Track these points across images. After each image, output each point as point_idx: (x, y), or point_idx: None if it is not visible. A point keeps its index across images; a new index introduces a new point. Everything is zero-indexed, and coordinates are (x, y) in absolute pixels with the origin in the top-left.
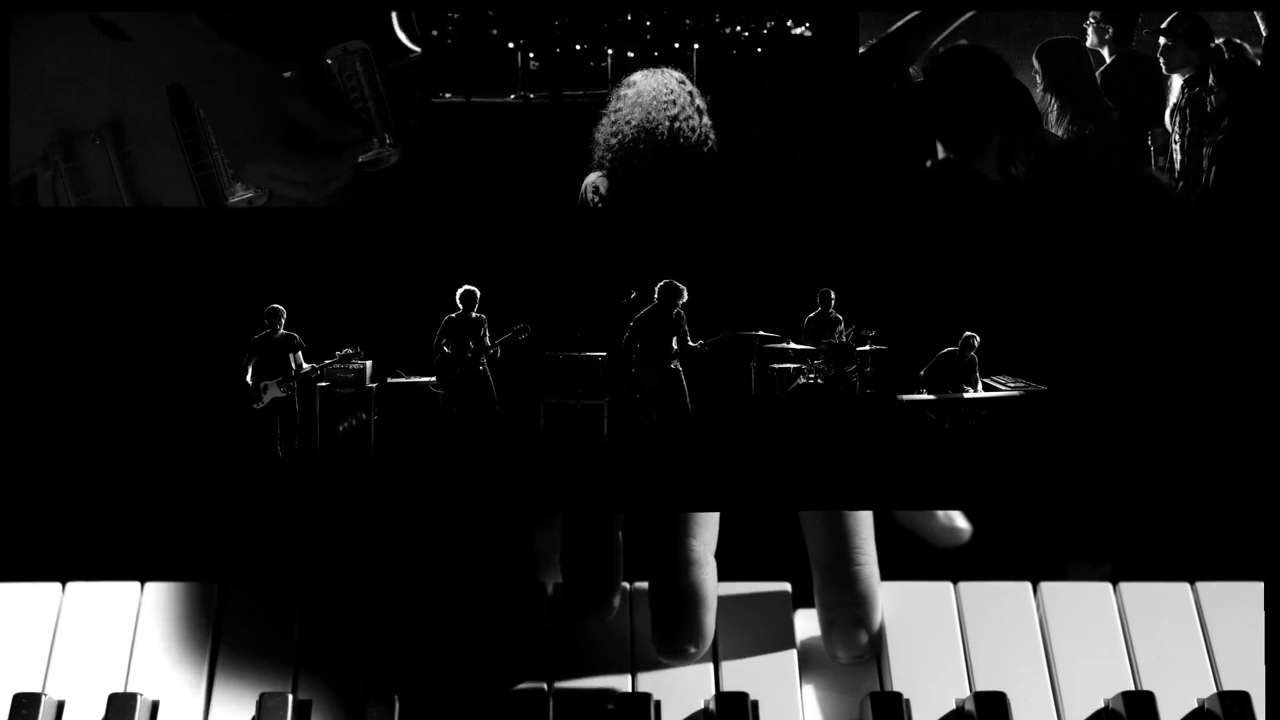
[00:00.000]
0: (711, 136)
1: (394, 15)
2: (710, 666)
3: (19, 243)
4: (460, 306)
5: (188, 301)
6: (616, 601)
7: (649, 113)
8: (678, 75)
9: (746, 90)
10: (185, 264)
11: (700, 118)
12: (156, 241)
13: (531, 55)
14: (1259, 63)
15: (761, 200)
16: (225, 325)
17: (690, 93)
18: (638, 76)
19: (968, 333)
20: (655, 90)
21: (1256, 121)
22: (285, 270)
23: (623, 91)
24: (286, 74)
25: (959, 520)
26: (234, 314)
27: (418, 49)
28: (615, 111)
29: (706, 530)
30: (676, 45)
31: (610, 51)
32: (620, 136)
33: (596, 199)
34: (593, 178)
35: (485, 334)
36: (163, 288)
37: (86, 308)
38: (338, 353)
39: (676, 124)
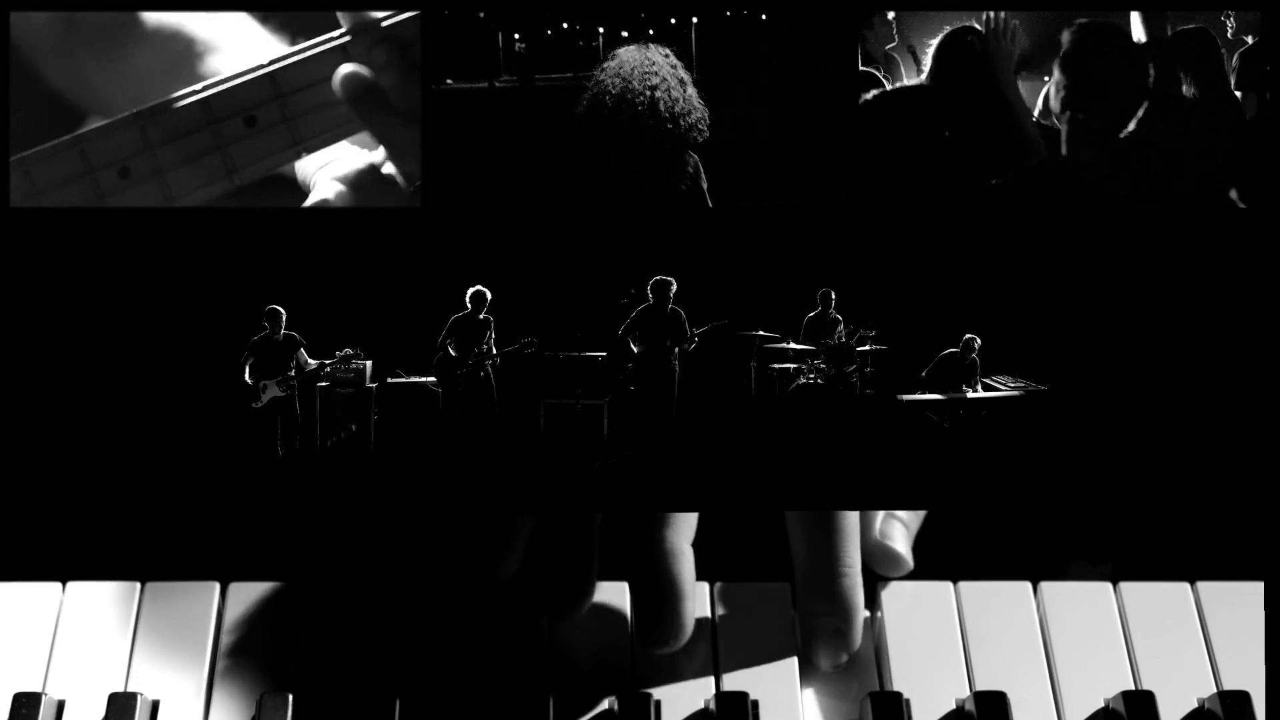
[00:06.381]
0: (697, 110)
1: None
2: (710, 666)
3: (19, 242)
4: (469, 306)
5: (187, 301)
6: (589, 601)
7: (629, 83)
8: (664, 50)
9: (745, 71)
10: (185, 263)
11: (684, 89)
12: (156, 241)
13: (517, 36)
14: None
15: (751, 192)
16: (225, 325)
17: (674, 65)
18: (622, 50)
19: (968, 335)
20: (637, 62)
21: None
22: (286, 270)
23: (606, 64)
24: None
25: (899, 545)
26: (234, 314)
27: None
28: (597, 85)
29: (683, 522)
30: (673, 21)
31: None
32: (600, 107)
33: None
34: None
35: (491, 337)
36: (162, 287)
37: (86, 307)
38: (337, 353)
39: (657, 93)
